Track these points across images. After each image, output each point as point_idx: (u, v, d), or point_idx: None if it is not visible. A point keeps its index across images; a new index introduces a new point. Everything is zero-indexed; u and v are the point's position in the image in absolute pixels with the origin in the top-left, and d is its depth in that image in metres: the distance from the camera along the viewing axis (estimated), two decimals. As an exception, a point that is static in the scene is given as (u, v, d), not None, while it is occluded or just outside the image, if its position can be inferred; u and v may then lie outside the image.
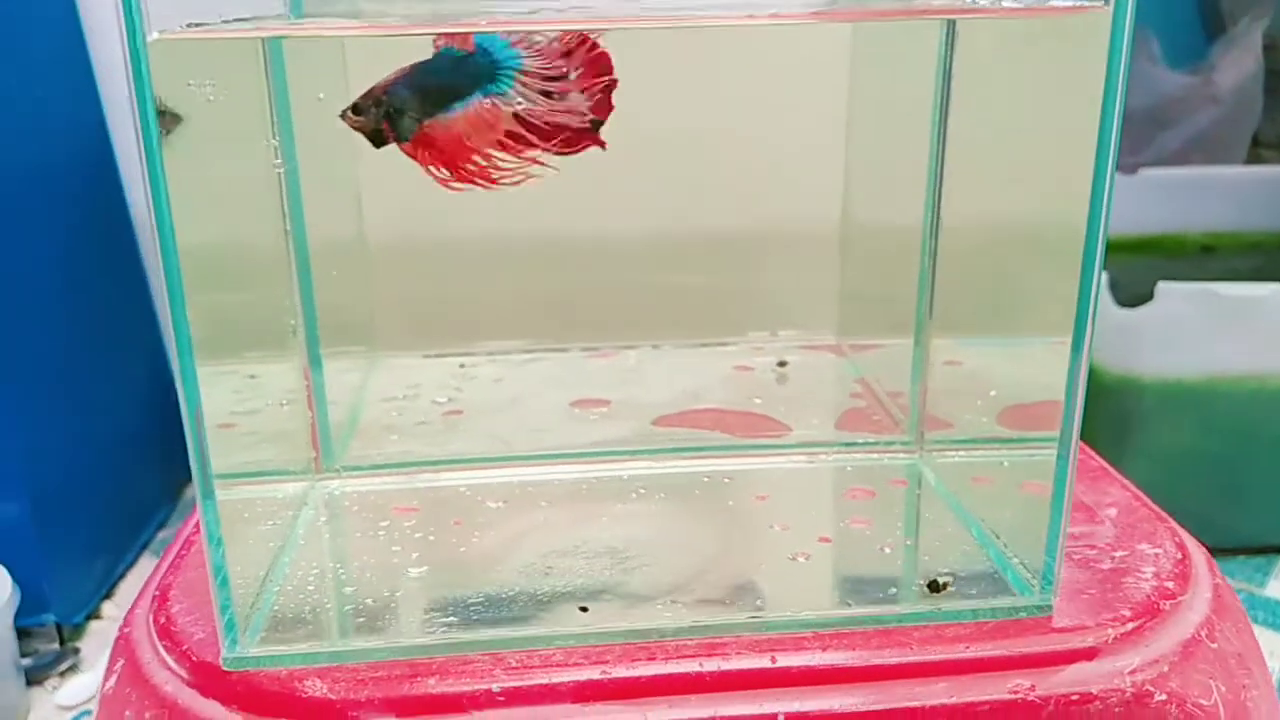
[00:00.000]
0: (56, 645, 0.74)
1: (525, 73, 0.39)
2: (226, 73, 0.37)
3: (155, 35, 0.31)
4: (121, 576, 0.82)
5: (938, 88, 0.46)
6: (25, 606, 0.69)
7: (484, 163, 0.39)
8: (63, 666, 0.73)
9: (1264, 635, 0.70)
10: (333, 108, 0.39)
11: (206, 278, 0.34)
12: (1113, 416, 0.78)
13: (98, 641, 0.75)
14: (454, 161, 0.39)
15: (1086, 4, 0.34)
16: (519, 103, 0.39)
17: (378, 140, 0.39)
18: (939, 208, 0.48)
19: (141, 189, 0.87)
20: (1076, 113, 0.35)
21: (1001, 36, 0.43)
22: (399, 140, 0.39)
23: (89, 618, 0.78)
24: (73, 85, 0.82)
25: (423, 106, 0.38)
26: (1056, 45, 0.38)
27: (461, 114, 0.39)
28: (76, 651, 0.74)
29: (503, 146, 0.39)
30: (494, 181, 0.40)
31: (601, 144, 0.41)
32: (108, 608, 0.79)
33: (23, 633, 0.72)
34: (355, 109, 0.38)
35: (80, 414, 0.79)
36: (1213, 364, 0.77)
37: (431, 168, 0.39)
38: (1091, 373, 0.68)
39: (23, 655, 0.71)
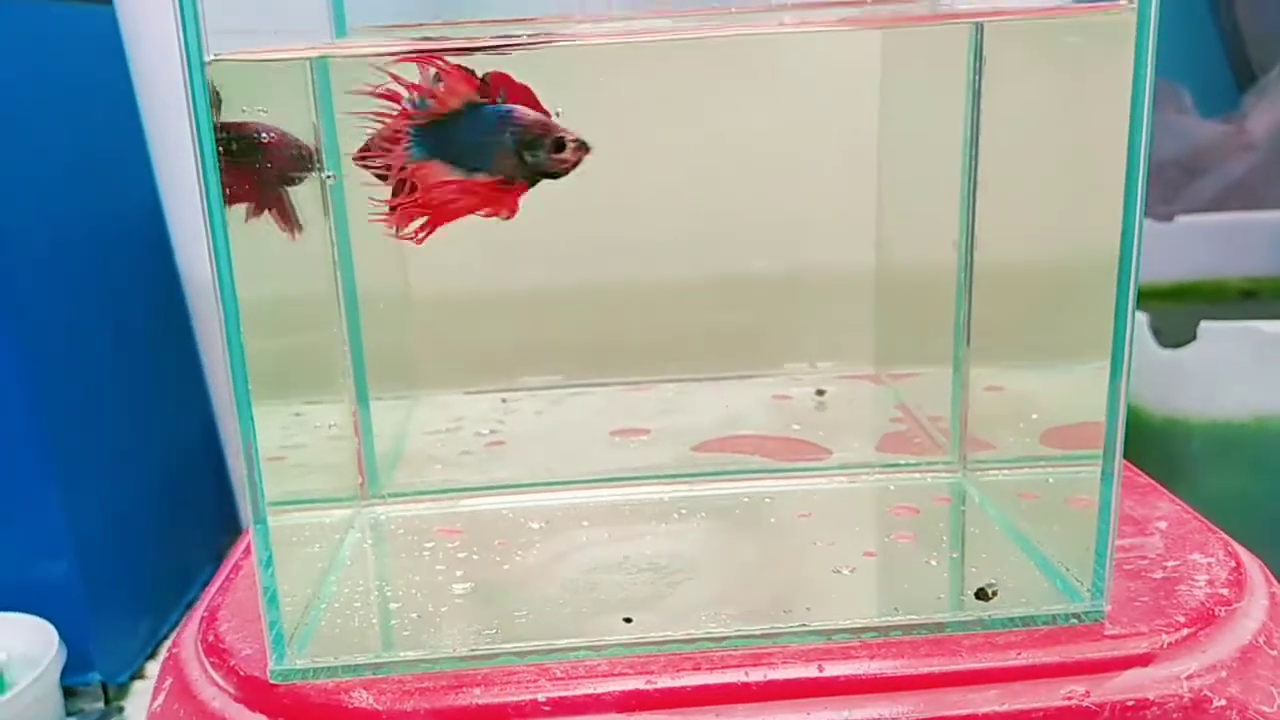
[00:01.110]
0: (101, 704, 0.74)
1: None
2: (276, 101, 0.38)
3: (212, 57, 0.33)
4: (166, 636, 0.82)
5: (967, 120, 0.47)
6: (71, 665, 0.70)
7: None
8: (107, 725, 0.73)
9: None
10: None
11: (259, 319, 0.35)
12: (1159, 459, 0.77)
13: (142, 701, 0.75)
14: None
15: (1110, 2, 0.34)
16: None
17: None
18: (973, 238, 0.48)
19: (190, 241, 0.88)
20: (1104, 136, 0.35)
21: (1029, 61, 0.44)
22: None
23: (133, 677, 0.78)
24: (121, 136, 0.84)
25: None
26: (1085, 73, 0.38)
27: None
28: (121, 710, 0.74)
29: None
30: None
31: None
32: (152, 667, 0.79)
33: (68, 691, 0.72)
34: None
35: (127, 475, 0.81)
36: (1260, 403, 0.75)
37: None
38: (1136, 415, 0.68)
39: (68, 714, 0.72)
